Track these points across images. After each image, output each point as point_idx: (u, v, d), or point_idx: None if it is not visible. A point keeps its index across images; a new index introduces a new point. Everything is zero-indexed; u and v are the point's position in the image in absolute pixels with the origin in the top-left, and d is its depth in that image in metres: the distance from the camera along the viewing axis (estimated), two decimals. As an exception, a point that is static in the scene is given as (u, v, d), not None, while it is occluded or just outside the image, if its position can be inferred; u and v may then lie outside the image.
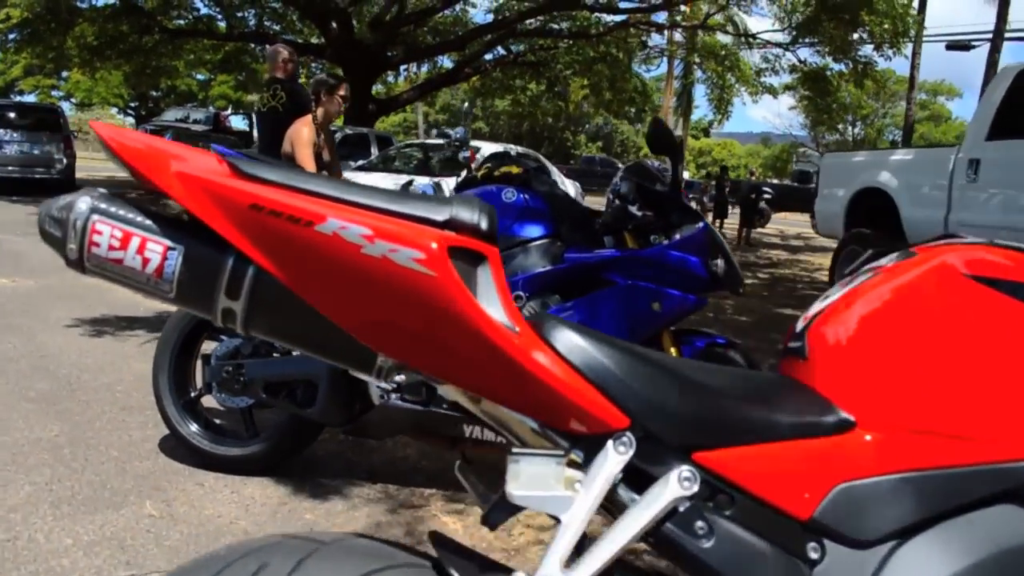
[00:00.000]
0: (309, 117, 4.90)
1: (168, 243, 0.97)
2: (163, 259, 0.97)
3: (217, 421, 3.09)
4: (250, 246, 0.93)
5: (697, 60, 21.64)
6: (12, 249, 8.24)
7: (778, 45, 18.16)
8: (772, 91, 22.65)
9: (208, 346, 3.10)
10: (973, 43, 22.06)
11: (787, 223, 24.65)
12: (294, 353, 2.92)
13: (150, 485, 2.80)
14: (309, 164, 4.76)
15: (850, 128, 43.01)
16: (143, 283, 0.98)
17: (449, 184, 5.38)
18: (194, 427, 2.91)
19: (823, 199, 8.71)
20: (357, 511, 2.74)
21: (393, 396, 2.74)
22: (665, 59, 25.88)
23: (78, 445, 3.09)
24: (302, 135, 4.76)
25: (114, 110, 39.45)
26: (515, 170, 2.89)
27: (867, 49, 16.42)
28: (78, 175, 15.71)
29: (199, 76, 31.26)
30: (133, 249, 0.97)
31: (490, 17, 19.17)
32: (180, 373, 2.97)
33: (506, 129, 51.37)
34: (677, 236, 2.76)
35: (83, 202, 0.98)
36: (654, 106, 28.69)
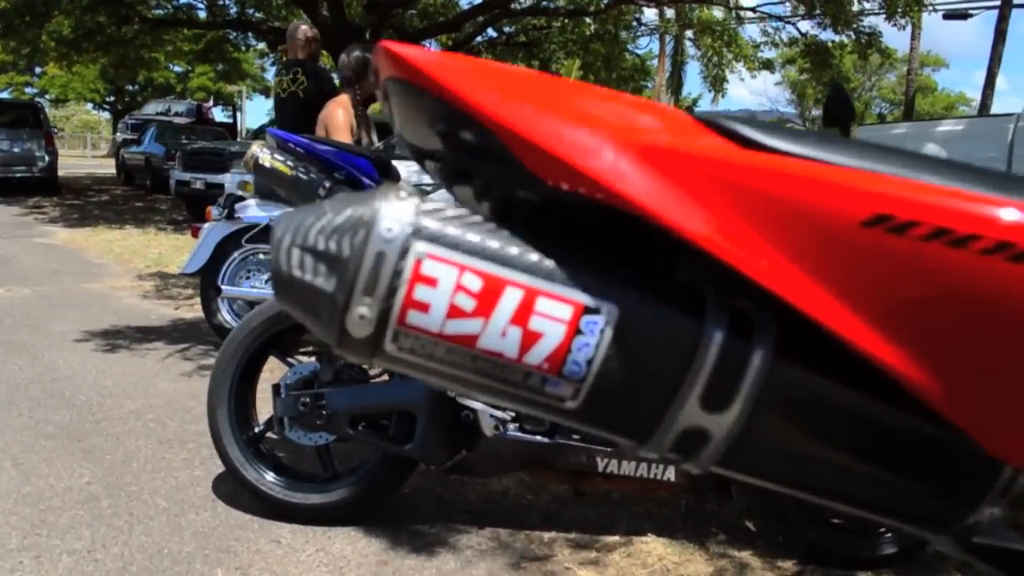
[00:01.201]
0: (345, 98, 4.36)
1: (584, 299, 0.47)
2: (571, 333, 0.46)
3: (277, 453, 2.58)
4: (832, 304, 0.43)
5: (691, 36, 21.22)
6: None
7: (779, 18, 17.73)
8: (769, 66, 22.26)
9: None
10: (971, 12, 21.73)
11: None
12: (382, 377, 2.43)
13: (215, 546, 2.29)
14: (347, 151, 4.23)
15: (837, 103, 42.61)
16: (515, 384, 0.49)
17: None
18: (269, 475, 2.40)
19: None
20: (474, 568, 2.24)
21: (511, 427, 2.26)
22: (655, 37, 25.42)
23: (117, 495, 2.57)
24: (337, 119, 4.23)
25: (90, 105, 38.47)
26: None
27: (869, 20, 16.02)
28: (60, 172, 15.07)
29: (176, 68, 30.39)
30: (505, 314, 0.47)
31: (477, -1, 18.57)
32: (242, 406, 2.46)
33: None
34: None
35: (393, 214, 0.48)
36: (640, 85, 28.12)
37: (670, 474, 2.28)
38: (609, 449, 2.24)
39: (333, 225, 0.48)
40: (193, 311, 5.43)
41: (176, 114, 21.69)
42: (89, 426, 3.16)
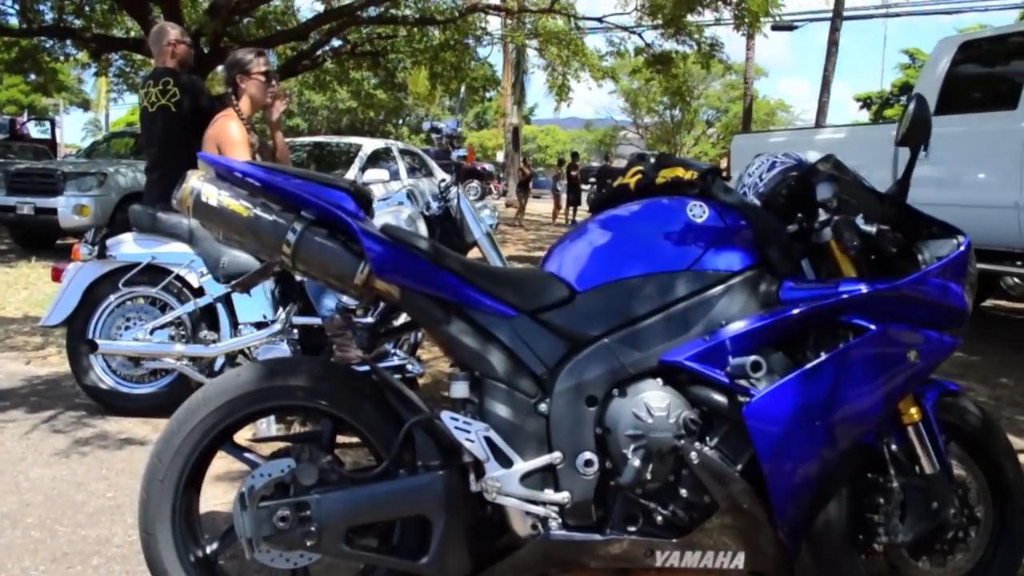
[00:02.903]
0: (230, 111, 3.74)
1: None
2: None
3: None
4: None
5: (536, 47, 21.34)
6: None
7: (623, 28, 18.04)
8: (614, 75, 22.73)
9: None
10: (796, 24, 23.06)
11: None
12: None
13: None
14: (249, 174, 3.60)
15: (668, 111, 44.36)
16: None
17: (421, 187, 4.36)
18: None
19: (737, 183, 8.30)
20: None
21: (554, 525, 1.80)
22: (493, 45, 25.44)
23: (13, 650, 1.91)
24: (231, 134, 3.60)
25: None
26: (686, 174, 1.99)
27: (710, 31, 16.66)
28: None
29: (-20, 79, 27.48)
30: None
31: (320, 7, 17.80)
32: (188, 521, 1.87)
33: (324, 124, 49.45)
34: (923, 255, 1.97)
35: None
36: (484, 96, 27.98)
37: (738, 561, 1.89)
38: (673, 540, 1.84)
39: None
40: (49, 364, 4.60)
41: (-15, 130, 19.50)
42: (-51, 543, 2.43)
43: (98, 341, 3.58)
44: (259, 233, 1.77)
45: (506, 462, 1.78)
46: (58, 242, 10.62)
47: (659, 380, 1.85)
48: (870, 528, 2.01)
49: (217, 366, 3.61)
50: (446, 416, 1.77)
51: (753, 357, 1.79)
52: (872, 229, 1.95)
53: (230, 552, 1.93)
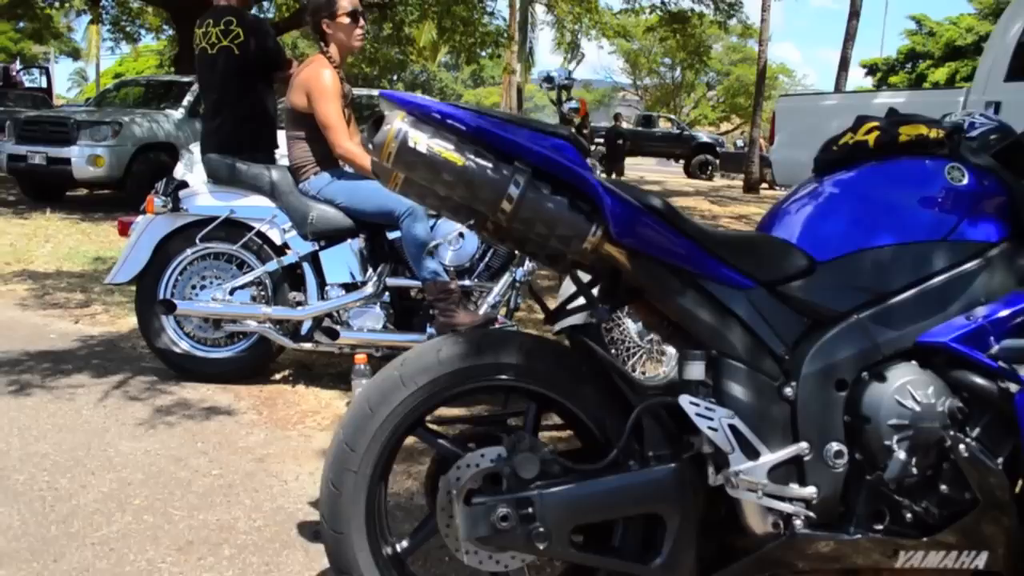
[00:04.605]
0: (322, 57, 3.46)
1: None
2: None
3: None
4: None
5: (546, 2, 20.91)
6: None
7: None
8: (626, 33, 22.33)
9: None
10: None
11: (632, 168, 24.60)
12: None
13: None
14: (341, 126, 3.34)
15: (669, 72, 43.94)
16: None
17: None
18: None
19: (783, 147, 8.07)
20: None
21: (798, 523, 1.59)
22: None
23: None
24: (324, 81, 3.33)
25: None
26: (931, 132, 1.75)
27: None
28: None
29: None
30: None
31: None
32: (379, 515, 1.65)
33: (317, 80, 48.41)
34: None
35: None
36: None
37: (979, 561, 1.69)
38: (924, 539, 1.63)
39: None
40: (99, 324, 4.35)
41: (-22, 77, 18.85)
42: (56, 531, 2.18)
43: (176, 302, 3.33)
44: (475, 185, 1.51)
45: (752, 453, 1.56)
46: (68, 193, 10.27)
47: (915, 363, 1.64)
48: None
49: (304, 330, 3.38)
50: (684, 400, 1.55)
51: (996, 344, 1.58)
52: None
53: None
